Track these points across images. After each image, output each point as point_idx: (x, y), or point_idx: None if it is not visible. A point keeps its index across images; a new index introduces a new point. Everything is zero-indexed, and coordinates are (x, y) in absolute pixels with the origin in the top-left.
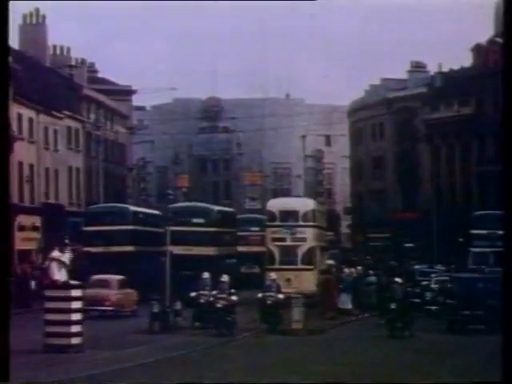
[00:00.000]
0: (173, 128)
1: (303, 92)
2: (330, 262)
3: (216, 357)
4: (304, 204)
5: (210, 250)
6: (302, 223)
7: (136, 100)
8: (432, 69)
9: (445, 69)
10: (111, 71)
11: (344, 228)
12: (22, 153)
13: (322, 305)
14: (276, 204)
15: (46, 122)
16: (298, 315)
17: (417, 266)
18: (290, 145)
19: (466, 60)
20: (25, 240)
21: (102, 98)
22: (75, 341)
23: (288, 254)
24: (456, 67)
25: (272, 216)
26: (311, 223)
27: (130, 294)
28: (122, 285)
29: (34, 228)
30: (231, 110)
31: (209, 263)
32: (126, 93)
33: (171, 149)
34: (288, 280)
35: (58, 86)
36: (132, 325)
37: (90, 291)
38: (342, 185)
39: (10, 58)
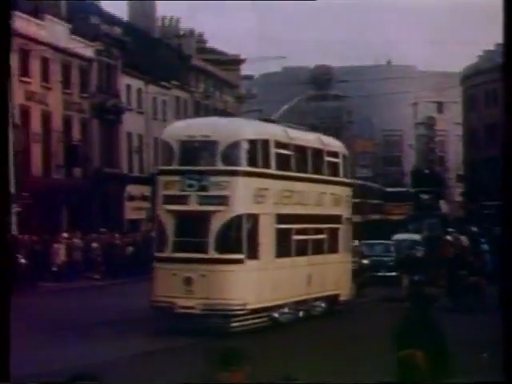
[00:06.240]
0: (282, 96)
1: (414, 59)
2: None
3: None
4: (231, 129)
5: None
6: (221, 167)
7: (244, 69)
8: None
9: None
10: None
11: (456, 196)
12: (131, 123)
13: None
14: (177, 130)
15: (154, 93)
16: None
17: None
18: (400, 112)
19: None
20: (134, 210)
21: (210, 67)
22: None
23: (191, 231)
24: None
25: (168, 152)
26: (243, 168)
27: None
28: None
29: (144, 198)
30: (341, 78)
31: None
32: (235, 62)
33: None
34: (187, 281)
35: (167, 56)
36: None
37: None
38: (454, 152)
39: (120, 30)
